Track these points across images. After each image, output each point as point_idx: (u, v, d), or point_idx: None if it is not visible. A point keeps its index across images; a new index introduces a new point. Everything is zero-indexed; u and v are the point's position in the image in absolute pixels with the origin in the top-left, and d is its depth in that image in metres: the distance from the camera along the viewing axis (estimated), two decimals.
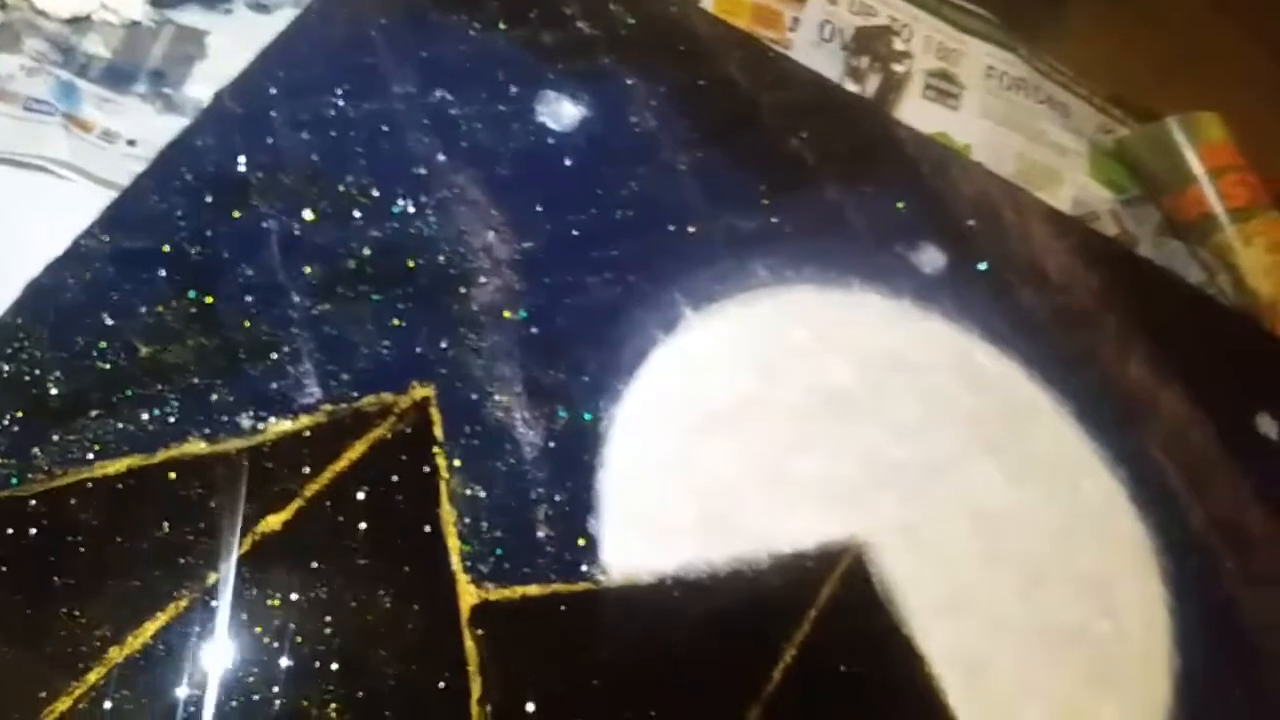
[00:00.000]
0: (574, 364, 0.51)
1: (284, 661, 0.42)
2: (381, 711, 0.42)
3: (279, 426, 0.46)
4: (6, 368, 0.44)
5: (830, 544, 0.50)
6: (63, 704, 0.39)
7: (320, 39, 0.57)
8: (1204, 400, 0.60)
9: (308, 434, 0.46)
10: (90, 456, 0.43)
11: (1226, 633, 0.54)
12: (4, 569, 0.41)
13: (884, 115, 0.67)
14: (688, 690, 0.46)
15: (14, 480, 0.42)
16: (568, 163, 0.57)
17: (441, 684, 0.43)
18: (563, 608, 0.45)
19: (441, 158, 0.54)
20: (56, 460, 0.43)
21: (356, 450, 0.46)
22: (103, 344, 0.46)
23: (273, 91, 0.54)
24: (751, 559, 0.49)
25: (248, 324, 0.48)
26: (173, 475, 0.44)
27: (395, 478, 0.46)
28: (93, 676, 0.40)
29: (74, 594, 0.41)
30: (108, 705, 0.40)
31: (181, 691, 0.40)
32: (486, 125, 0.56)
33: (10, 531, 0.41)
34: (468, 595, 0.44)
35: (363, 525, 0.45)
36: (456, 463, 0.47)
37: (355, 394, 0.47)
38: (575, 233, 0.55)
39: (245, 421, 0.45)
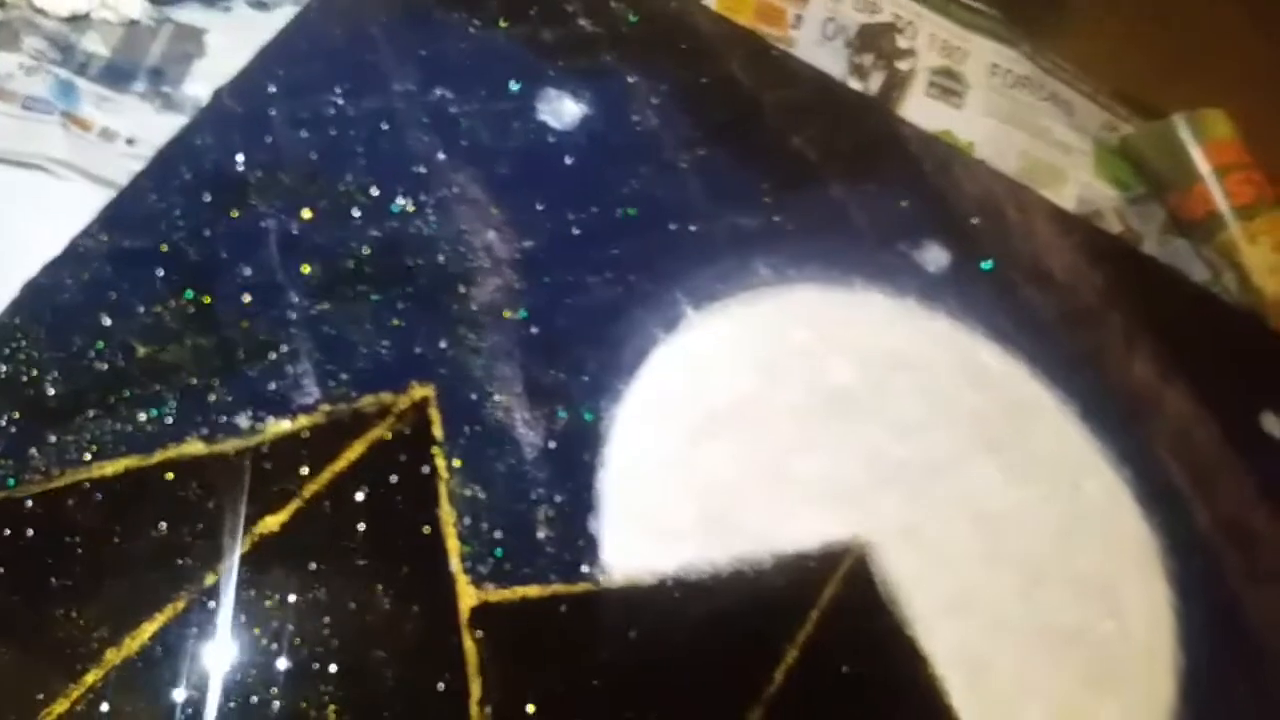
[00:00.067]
0: (574, 363, 0.51)
1: (282, 663, 0.41)
2: (380, 713, 0.42)
3: (277, 427, 0.46)
4: (4, 368, 0.44)
5: (832, 544, 0.50)
6: (60, 706, 0.39)
7: (320, 37, 0.56)
8: (1209, 399, 0.60)
9: (306, 434, 0.46)
10: (88, 457, 0.43)
11: (1232, 631, 0.54)
12: (1, 570, 0.41)
13: (887, 113, 0.66)
14: (689, 691, 0.46)
15: (11, 481, 0.42)
16: (569, 161, 0.56)
17: (441, 685, 0.43)
18: (563, 608, 0.45)
19: (441, 156, 0.54)
20: (54, 461, 0.43)
21: (355, 451, 0.46)
22: (100, 344, 0.46)
23: (272, 90, 0.54)
24: (753, 559, 0.48)
25: (246, 324, 0.47)
26: (170, 476, 0.44)
27: (394, 478, 0.46)
28: (90, 678, 0.40)
29: (71, 595, 0.41)
30: (105, 707, 0.39)
31: (179, 693, 0.40)
32: (487, 124, 0.56)
33: (7, 533, 0.41)
34: (467, 596, 0.44)
35: (362, 526, 0.44)
36: (456, 463, 0.47)
37: (354, 394, 0.47)
38: (576, 231, 0.54)
39: (243, 422, 0.45)
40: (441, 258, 0.52)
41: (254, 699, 0.41)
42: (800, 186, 0.60)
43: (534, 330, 0.51)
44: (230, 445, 0.45)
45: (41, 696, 0.39)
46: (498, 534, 0.46)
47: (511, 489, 0.47)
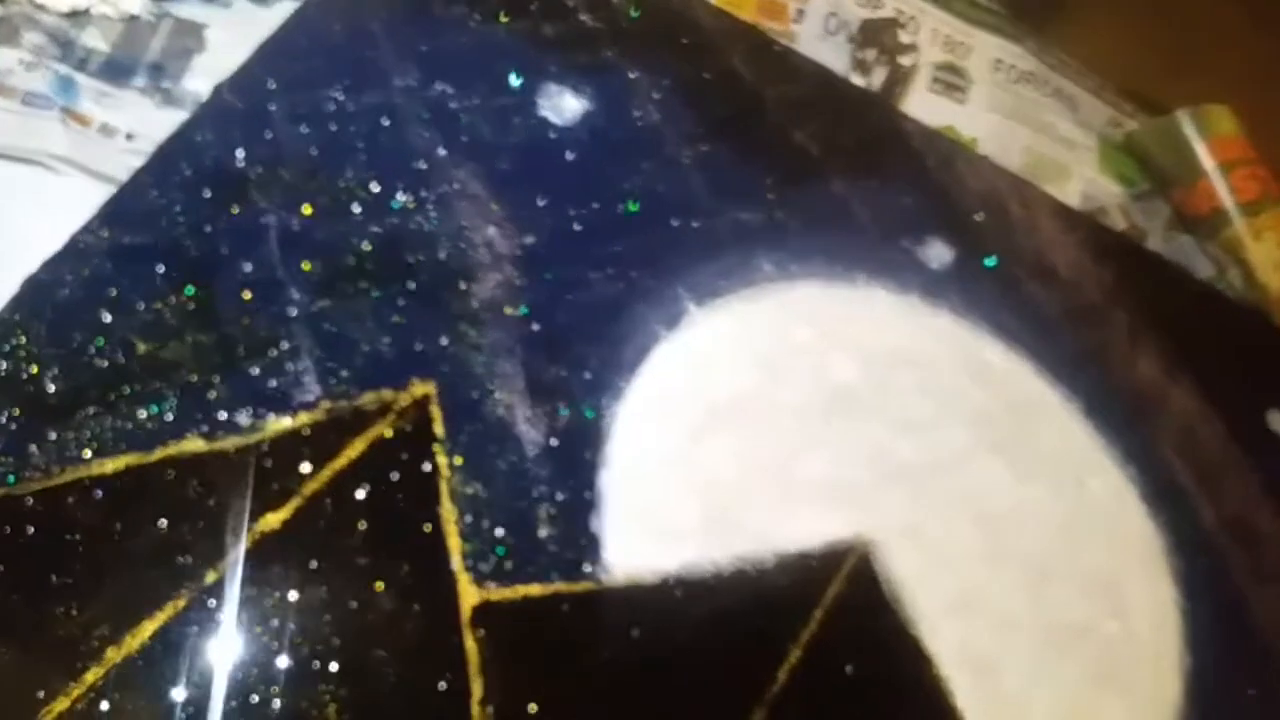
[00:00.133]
0: (576, 360, 0.50)
1: (283, 662, 0.41)
2: (381, 712, 0.42)
3: (278, 424, 0.45)
4: (3, 365, 0.44)
5: (836, 543, 0.50)
6: (60, 704, 0.39)
7: (320, 32, 0.56)
8: (1214, 396, 0.59)
9: (307, 432, 0.45)
10: (88, 454, 0.43)
11: (1237, 631, 0.53)
12: (1, 568, 0.41)
13: (890, 109, 0.66)
14: (692, 691, 0.45)
15: (11, 479, 0.42)
16: (570, 157, 0.56)
17: (442, 684, 0.42)
18: (565, 607, 0.45)
19: (442, 152, 0.54)
20: (54, 458, 0.43)
21: (356, 448, 0.46)
22: (100, 341, 0.45)
23: (272, 85, 0.54)
24: (756, 558, 0.48)
25: (246, 321, 0.47)
26: (171, 474, 0.43)
27: (395, 476, 0.46)
28: (91, 676, 0.40)
29: (71, 593, 0.41)
30: (105, 706, 0.39)
31: (180, 692, 0.40)
32: (488, 119, 0.56)
33: (7, 530, 0.41)
34: (469, 595, 0.44)
35: (362, 524, 0.44)
36: (457, 461, 0.46)
37: (355, 391, 0.47)
38: (577, 227, 0.54)
39: (244, 419, 0.45)
40: (442, 254, 0.51)
41: (254, 697, 0.41)
42: (803, 182, 0.60)
43: (535, 327, 0.51)
44: (231, 443, 0.45)
45: (42, 695, 0.39)
46: (499, 532, 0.45)
47: (513, 487, 0.47)
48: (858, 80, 0.67)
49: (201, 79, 0.54)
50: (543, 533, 0.46)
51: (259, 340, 0.47)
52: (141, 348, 0.46)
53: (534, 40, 0.59)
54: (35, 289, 0.46)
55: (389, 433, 0.46)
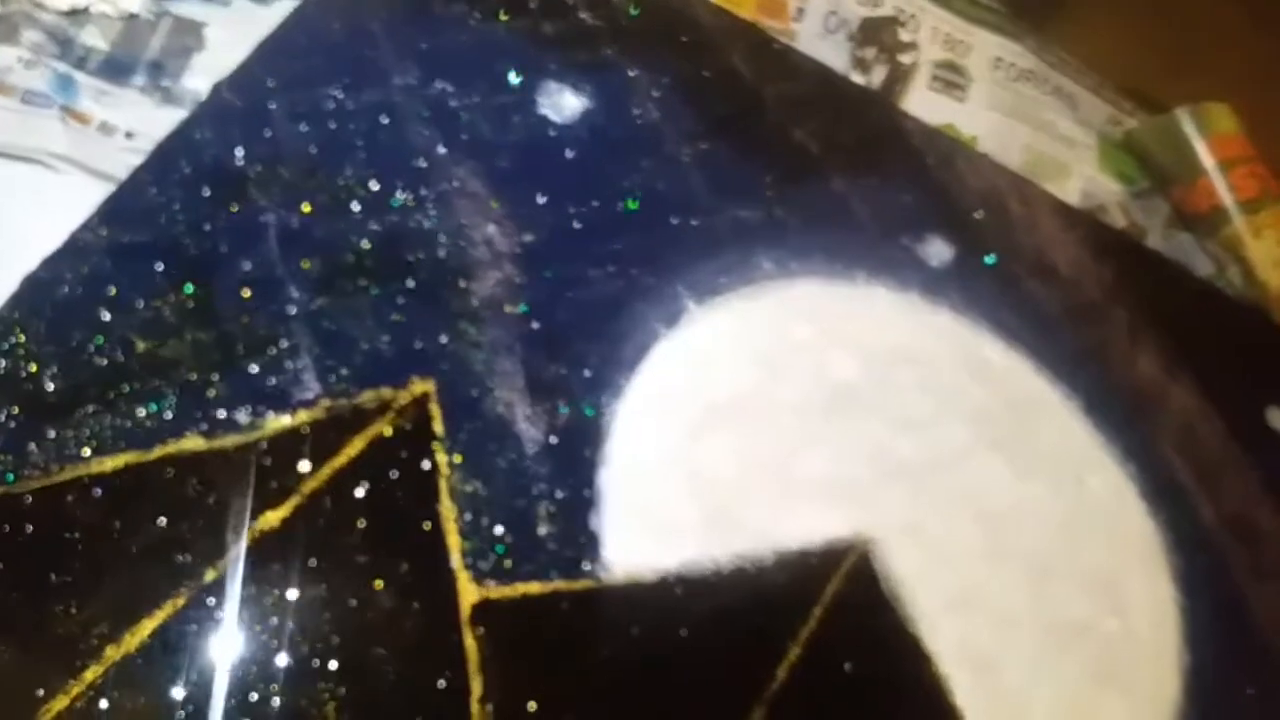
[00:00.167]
0: (575, 358, 0.50)
1: (282, 660, 0.41)
2: (381, 710, 0.42)
3: (277, 422, 0.45)
4: (2, 363, 0.44)
5: (835, 541, 0.50)
6: (59, 703, 0.39)
7: (319, 30, 0.56)
8: (1214, 394, 0.59)
9: (306, 430, 0.45)
10: (87, 453, 0.43)
11: (1237, 628, 0.53)
12: (0, 566, 0.41)
13: (890, 107, 0.66)
14: (691, 689, 0.45)
15: (10, 477, 0.42)
16: (569, 155, 0.56)
17: (442, 682, 0.42)
18: (564, 606, 0.45)
19: (441, 150, 0.54)
20: (53, 457, 0.43)
21: (355, 446, 0.45)
22: (99, 339, 0.45)
23: (271, 84, 0.53)
24: (755, 556, 0.48)
25: (246, 319, 0.47)
26: (170, 472, 0.43)
27: (395, 474, 0.45)
28: (90, 675, 0.40)
29: (71, 592, 0.41)
30: (104, 704, 0.39)
31: (179, 690, 0.40)
32: (487, 117, 0.56)
33: (7, 529, 0.41)
34: (468, 593, 0.44)
35: (362, 522, 0.44)
36: (457, 459, 0.46)
37: (354, 389, 0.47)
38: (577, 225, 0.54)
39: (243, 417, 0.45)
40: (442, 252, 0.51)
41: (254, 696, 0.41)
42: (802, 180, 0.60)
43: (535, 325, 0.51)
44: (230, 441, 0.45)
45: (41, 693, 0.39)
46: (499, 530, 0.45)
47: (512, 485, 0.47)
48: (857, 78, 0.67)
49: (201, 77, 0.54)
50: (542, 531, 0.46)
51: (258, 338, 0.47)
52: (141, 346, 0.46)
53: (533, 38, 0.59)
54: (34, 287, 0.46)
55: (388, 431, 0.46)
